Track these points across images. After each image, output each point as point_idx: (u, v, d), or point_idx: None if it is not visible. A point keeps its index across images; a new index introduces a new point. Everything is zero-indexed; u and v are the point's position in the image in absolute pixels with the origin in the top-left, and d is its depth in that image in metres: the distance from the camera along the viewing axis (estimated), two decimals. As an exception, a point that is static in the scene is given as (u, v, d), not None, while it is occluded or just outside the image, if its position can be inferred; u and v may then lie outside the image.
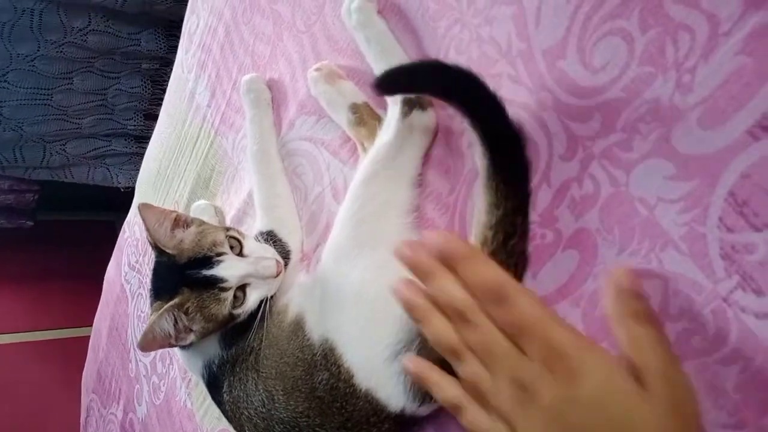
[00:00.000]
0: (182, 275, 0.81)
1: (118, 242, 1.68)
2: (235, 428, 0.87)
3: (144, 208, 0.82)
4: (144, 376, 1.49)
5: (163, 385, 1.40)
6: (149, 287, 0.88)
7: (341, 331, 0.73)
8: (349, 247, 0.76)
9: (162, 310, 0.78)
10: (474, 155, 0.65)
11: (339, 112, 0.85)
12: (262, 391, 0.80)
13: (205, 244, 0.82)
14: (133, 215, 1.60)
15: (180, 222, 0.85)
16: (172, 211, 0.85)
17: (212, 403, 1.19)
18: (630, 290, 0.52)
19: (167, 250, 0.82)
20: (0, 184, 2.84)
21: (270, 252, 0.87)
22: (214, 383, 0.90)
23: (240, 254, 0.84)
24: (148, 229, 0.82)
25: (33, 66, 2.35)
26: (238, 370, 0.84)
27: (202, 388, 1.22)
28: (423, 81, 0.65)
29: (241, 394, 0.83)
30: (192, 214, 1.22)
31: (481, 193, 0.63)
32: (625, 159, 0.55)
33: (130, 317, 1.55)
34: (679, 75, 0.52)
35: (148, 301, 0.88)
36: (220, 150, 1.18)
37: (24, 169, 2.63)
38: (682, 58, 0.52)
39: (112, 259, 1.71)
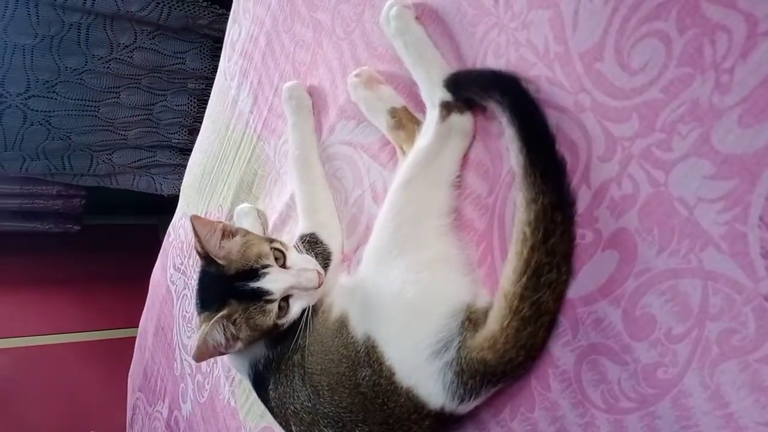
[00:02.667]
0: (229, 287, 0.83)
1: (163, 245, 1.73)
2: (280, 424, 0.90)
3: (195, 219, 0.85)
4: (189, 374, 1.54)
5: (208, 384, 1.44)
6: (195, 298, 0.91)
7: (382, 329, 0.75)
8: (389, 249, 0.77)
9: (212, 321, 0.81)
10: (511, 155, 0.67)
11: (378, 117, 0.87)
12: (308, 386, 0.82)
13: (251, 256, 0.85)
14: (177, 218, 1.65)
15: (226, 232, 0.88)
16: (218, 222, 0.88)
17: (255, 401, 1.23)
18: None
19: (218, 261, 0.85)
20: (48, 190, 2.96)
21: (311, 263, 0.89)
22: (260, 382, 0.93)
23: (283, 266, 0.87)
24: (200, 240, 0.85)
25: (81, 79, 2.44)
26: (283, 367, 0.87)
27: (246, 386, 1.26)
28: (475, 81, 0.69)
29: (288, 390, 0.85)
30: (235, 217, 1.26)
31: (519, 191, 0.65)
32: (664, 159, 0.56)
33: (176, 318, 1.60)
34: (717, 75, 0.52)
35: (195, 311, 0.91)
36: (263, 155, 1.21)
37: (72, 176, 2.73)
38: (720, 58, 0.52)
39: (158, 261, 1.77)
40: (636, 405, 0.59)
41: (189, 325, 1.53)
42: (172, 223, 1.69)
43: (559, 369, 0.66)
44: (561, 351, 0.66)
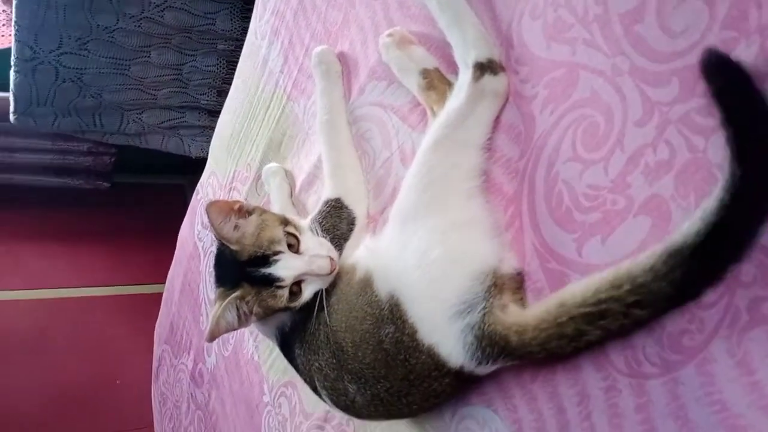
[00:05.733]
0: (242, 271, 0.85)
1: (191, 203, 1.76)
2: (305, 380, 0.92)
3: (210, 206, 0.86)
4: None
5: (232, 338, 1.48)
6: (213, 270, 0.93)
7: (407, 288, 0.76)
8: (416, 210, 0.78)
9: (225, 303, 0.84)
10: (686, 225, 0.55)
11: (409, 78, 0.86)
12: (332, 343, 0.84)
13: (264, 241, 0.86)
14: (206, 177, 1.67)
15: (242, 211, 0.89)
16: (235, 202, 0.89)
17: (278, 356, 1.26)
18: None
19: (231, 246, 0.86)
20: (79, 147, 3.01)
21: (325, 249, 0.90)
22: (286, 343, 0.95)
23: (297, 251, 0.88)
24: (214, 228, 0.86)
25: (112, 37, 2.46)
26: (309, 326, 0.89)
27: (269, 343, 1.29)
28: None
29: (313, 347, 0.87)
30: (263, 176, 1.27)
31: (655, 251, 0.57)
32: (704, 125, 0.55)
33: (202, 274, 1.63)
34: (762, 39, 0.51)
35: (211, 284, 0.94)
36: (292, 115, 1.22)
37: (102, 134, 2.77)
38: (767, 22, 0.51)
39: (186, 218, 1.80)
40: (659, 371, 0.60)
41: (213, 278, 1.57)
42: (200, 181, 1.71)
43: (583, 333, 0.66)
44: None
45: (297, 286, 0.87)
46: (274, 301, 0.85)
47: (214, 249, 1.58)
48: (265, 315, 0.89)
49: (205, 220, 1.64)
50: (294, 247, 0.88)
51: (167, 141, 2.80)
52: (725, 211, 0.51)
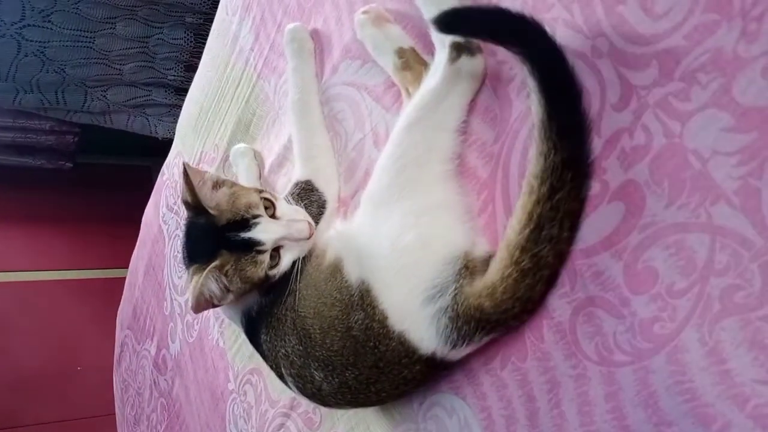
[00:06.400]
0: (220, 238, 0.82)
1: (156, 184, 1.71)
2: (271, 366, 0.90)
3: (187, 168, 0.83)
4: (178, 314, 1.54)
5: (197, 324, 1.44)
6: (183, 251, 0.89)
7: (378, 273, 0.74)
8: (389, 193, 0.76)
9: (206, 271, 0.80)
10: (532, 104, 0.64)
11: (385, 57, 0.84)
12: (299, 330, 0.82)
13: (240, 206, 0.83)
14: (172, 157, 1.62)
15: (213, 183, 0.86)
16: (206, 172, 0.86)
17: (244, 342, 1.24)
18: None
19: (209, 210, 0.83)
20: (41, 125, 2.90)
21: (301, 214, 0.88)
22: (252, 328, 0.92)
23: (273, 216, 0.85)
24: (192, 189, 0.83)
25: (77, 8, 2.36)
26: (276, 312, 0.86)
27: (235, 328, 1.26)
28: (485, 23, 0.65)
29: (279, 334, 0.85)
30: (231, 158, 1.24)
31: (534, 143, 0.63)
32: (681, 109, 0.54)
33: (167, 257, 1.59)
34: (745, 23, 0.50)
35: (183, 263, 0.90)
36: (262, 94, 1.18)
37: (65, 111, 2.68)
38: (750, 5, 0.50)
39: (151, 200, 1.75)
40: (630, 359, 0.59)
41: (180, 265, 1.52)
42: (166, 161, 1.66)
43: (554, 320, 0.66)
44: (557, 302, 0.65)
45: (276, 252, 0.84)
46: (255, 268, 0.82)
47: (180, 232, 1.55)
48: (243, 290, 0.84)
49: (171, 201, 1.59)
50: (270, 210, 0.85)
51: (133, 120, 2.72)
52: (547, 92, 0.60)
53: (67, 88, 2.59)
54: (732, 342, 0.51)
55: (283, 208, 0.87)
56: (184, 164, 0.82)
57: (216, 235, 0.82)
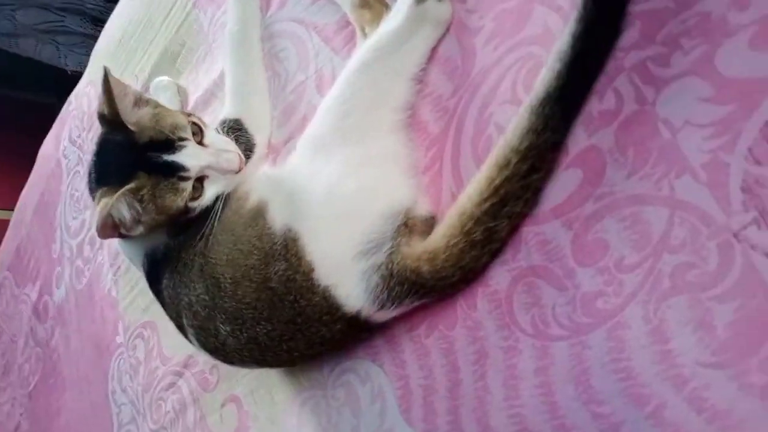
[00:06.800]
0: (139, 158, 0.72)
1: (60, 114, 1.54)
2: (170, 315, 0.81)
3: (111, 76, 0.72)
4: (68, 258, 1.39)
5: (88, 271, 1.31)
6: (92, 169, 0.78)
7: (309, 222, 0.68)
8: (332, 137, 0.69)
9: (119, 193, 0.70)
10: (543, 71, 0.57)
11: (343, -9, 0.77)
12: (208, 277, 0.73)
13: (165, 126, 0.74)
14: (83, 86, 1.46)
15: (137, 100, 0.76)
16: (129, 86, 0.76)
17: (140, 294, 1.13)
18: None
19: (129, 125, 0.73)
20: (-65, 45, 2.58)
21: (232, 145, 0.80)
22: (154, 271, 0.83)
23: (200, 143, 0.76)
24: (111, 99, 0.72)
25: None
26: (183, 255, 0.77)
27: (131, 278, 1.15)
28: None
29: (184, 281, 0.76)
30: (152, 90, 1.12)
31: (521, 113, 0.58)
32: (658, 75, 0.51)
33: (63, 195, 1.44)
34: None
35: (88, 186, 0.79)
36: (195, 24, 1.08)
37: (-35, 29, 2.39)
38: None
39: (51, 132, 1.58)
40: (567, 333, 0.56)
41: (77, 205, 1.38)
42: (74, 91, 1.51)
43: (490, 288, 0.62)
44: (496, 270, 0.62)
45: (199, 182, 0.75)
46: (174, 196, 0.73)
47: (81, 168, 1.40)
48: (156, 222, 0.75)
49: (75, 134, 1.44)
50: (198, 137, 0.77)
51: (41, 47, 2.47)
52: (580, 42, 0.53)
53: (-30, 3, 2.31)
54: (678, 321, 0.49)
55: (212, 136, 0.78)
56: (105, 70, 0.72)
57: (134, 154, 0.72)
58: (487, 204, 0.59)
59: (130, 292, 1.17)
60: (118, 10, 1.37)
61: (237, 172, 0.78)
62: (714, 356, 0.48)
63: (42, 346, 1.46)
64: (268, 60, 0.91)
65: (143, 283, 0.88)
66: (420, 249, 0.64)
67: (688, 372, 0.49)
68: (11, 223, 1.73)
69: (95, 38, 1.47)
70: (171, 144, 0.73)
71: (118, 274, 1.22)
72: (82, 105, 1.44)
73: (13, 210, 1.75)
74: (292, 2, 0.88)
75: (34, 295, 1.52)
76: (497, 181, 0.59)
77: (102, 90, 0.72)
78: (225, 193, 0.77)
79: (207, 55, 1.04)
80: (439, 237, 0.63)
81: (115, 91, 0.72)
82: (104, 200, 0.71)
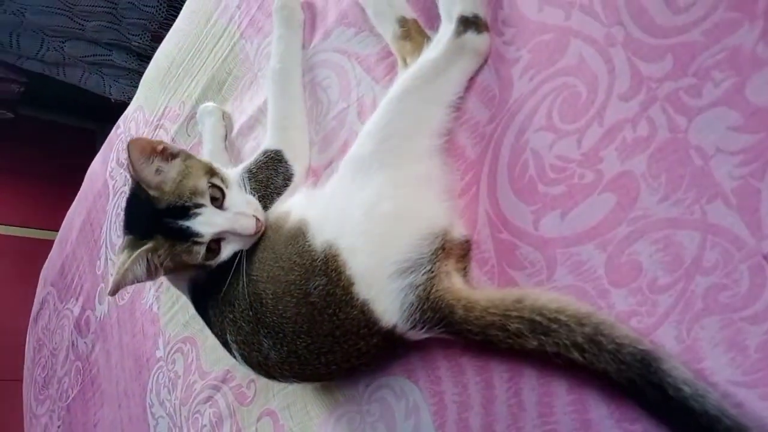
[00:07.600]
0: (157, 220, 0.77)
1: (109, 137, 1.62)
2: (215, 333, 0.84)
3: (133, 143, 0.77)
4: (111, 275, 1.45)
5: (131, 287, 1.36)
6: (123, 216, 0.84)
7: (349, 239, 0.71)
8: (371, 160, 0.73)
9: (135, 255, 0.76)
10: None
11: (385, 23, 0.81)
12: (251, 294, 0.77)
13: (185, 190, 0.78)
14: (132, 111, 1.54)
15: (166, 154, 0.81)
16: (159, 142, 0.81)
17: (180, 309, 1.17)
18: None
19: (149, 191, 0.78)
20: (-13, 69, 2.73)
21: (252, 207, 0.83)
22: (198, 291, 0.87)
23: (220, 206, 0.81)
24: (133, 168, 0.77)
25: (46, -46, 2.24)
26: (226, 275, 0.81)
27: (173, 293, 1.19)
28: None
29: (228, 298, 0.80)
30: (198, 116, 1.18)
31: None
32: (690, 105, 0.54)
33: (108, 214, 1.50)
34: (765, 23, 0.50)
35: (118, 227, 0.85)
36: (242, 53, 1.13)
37: (17, 56, 2.52)
38: (773, 9, 0.50)
39: (99, 153, 1.65)
40: (601, 352, 0.58)
41: (122, 224, 1.44)
42: (123, 114, 1.58)
43: (526, 309, 0.64)
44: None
45: (216, 243, 0.79)
46: (189, 257, 0.78)
47: (126, 189, 1.46)
48: (177, 270, 0.81)
49: (123, 157, 1.51)
50: (218, 201, 0.81)
51: (87, 77, 2.59)
52: None
53: (23, 32, 2.44)
54: (710, 341, 0.51)
55: (234, 197, 0.82)
56: (130, 140, 0.77)
57: (154, 216, 0.77)
58: (538, 318, 0.59)
59: (171, 308, 1.21)
60: (169, 37, 1.44)
61: (253, 235, 0.81)
62: (746, 375, 0.49)
63: (82, 360, 1.51)
64: (312, 88, 0.95)
65: (184, 299, 0.92)
66: (463, 292, 0.66)
67: (720, 391, 0.50)
68: (56, 240, 1.80)
69: (139, 72, 1.54)
70: (187, 210, 0.77)
71: (160, 290, 1.26)
72: (130, 129, 1.51)
73: (55, 230, 1.82)
74: (336, 33, 0.92)
75: (76, 310, 1.57)
76: (561, 317, 0.58)
77: (128, 159, 0.77)
78: (243, 250, 0.81)
79: (252, 83, 1.10)
80: (484, 297, 0.64)
81: (137, 161, 0.77)
82: (123, 257, 0.77)
